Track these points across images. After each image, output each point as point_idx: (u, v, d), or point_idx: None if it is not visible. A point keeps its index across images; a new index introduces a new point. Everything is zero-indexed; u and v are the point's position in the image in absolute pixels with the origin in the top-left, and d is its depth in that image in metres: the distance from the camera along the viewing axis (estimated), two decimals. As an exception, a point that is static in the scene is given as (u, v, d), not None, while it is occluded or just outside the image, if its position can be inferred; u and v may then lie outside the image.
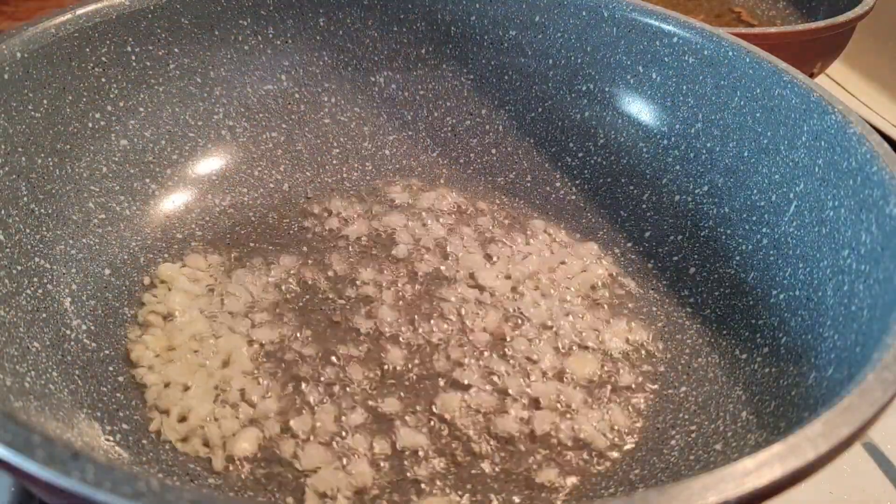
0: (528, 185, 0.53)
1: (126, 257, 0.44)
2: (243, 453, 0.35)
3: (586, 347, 0.42)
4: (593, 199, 0.51)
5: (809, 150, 0.39)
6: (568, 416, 0.38)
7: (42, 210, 0.41)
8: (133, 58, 0.46)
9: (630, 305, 0.45)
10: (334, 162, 0.53)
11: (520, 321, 0.43)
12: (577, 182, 0.52)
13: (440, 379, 0.39)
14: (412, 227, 0.49)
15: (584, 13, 0.50)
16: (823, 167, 0.38)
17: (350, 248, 0.48)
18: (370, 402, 0.38)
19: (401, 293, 0.44)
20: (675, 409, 0.38)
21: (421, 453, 0.36)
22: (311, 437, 0.36)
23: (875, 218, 0.33)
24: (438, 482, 0.35)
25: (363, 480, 0.34)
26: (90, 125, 0.44)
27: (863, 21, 0.65)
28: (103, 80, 0.44)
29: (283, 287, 0.44)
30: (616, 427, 0.38)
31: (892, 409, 0.25)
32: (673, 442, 0.36)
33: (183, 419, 0.36)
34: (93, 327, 0.40)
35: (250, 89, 0.52)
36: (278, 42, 0.51)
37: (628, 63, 0.49)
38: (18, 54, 0.39)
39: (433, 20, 0.53)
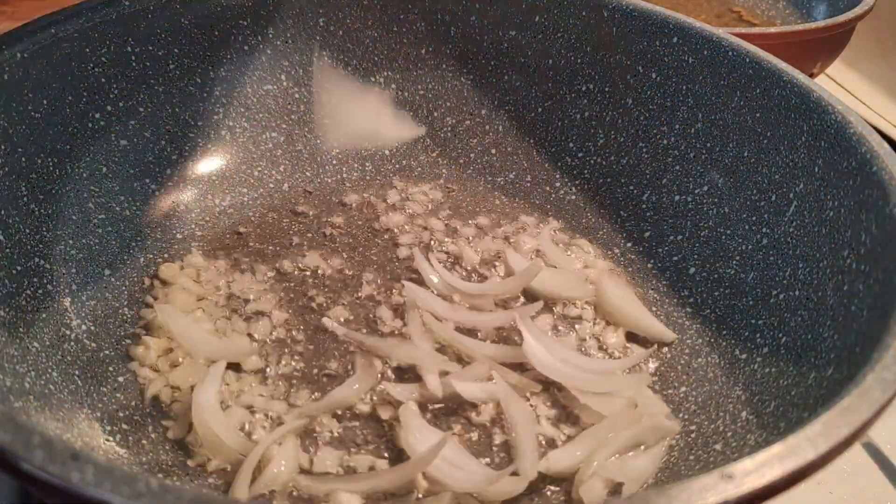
0: (528, 185, 0.53)
1: (126, 257, 0.45)
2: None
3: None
4: (593, 199, 0.51)
5: (809, 151, 0.39)
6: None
7: (42, 210, 0.41)
8: (133, 58, 0.46)
9: (630, 305, 0.45)
10: (334, 162, 0.54)
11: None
12: (577, 182, 0.52)
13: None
14: (412, 228, 0.49)
15: (584, 13, 0.50)
16: (823, 167, 0.38)
17: (350, 249, 0.48)
18: (370, 406, 0.38)
19: (401, 295, 0.44)
20: (675, 409, 0.38)
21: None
22: (319, 442, 0.36)
23: (875, 218, 0.33)
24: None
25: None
26: (90, 125, 0.44)
27: (863, 21, 0.65)
28: (103, 80, 0.44)
29: (284, 287, 0.44)
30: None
31: (892, 410, 0.25)
32: (673, 442, 0.36)
33: (184, 419, 0.36)
34: (93, 327, 0.40)
35: (250, 89, 0.52)
36: (278, 42, 0.51)
37: (628, 63, 0.49)
38: (18, 54, 0.39)
39: (433, 20, 0.53)
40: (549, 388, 0.39)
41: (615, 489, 0.34)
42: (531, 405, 0.38)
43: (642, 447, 0.36)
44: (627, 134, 0.50)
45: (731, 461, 0.22)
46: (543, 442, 0.37)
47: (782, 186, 0.41)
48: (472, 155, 0.55)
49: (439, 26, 0.53)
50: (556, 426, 0.37)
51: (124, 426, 0.36)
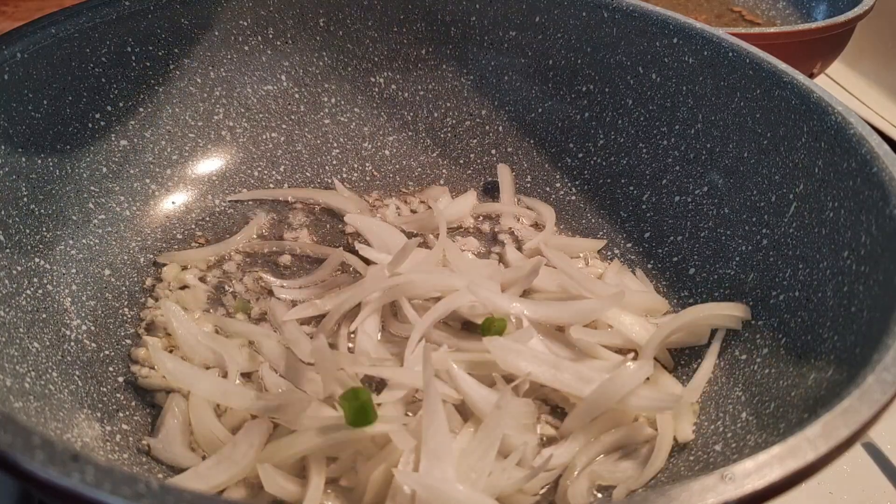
0: (528, 185, 0.53)
1: (126, 258, 0.45)
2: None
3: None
4: (593, 200, 0.51)
5: (809, 151, 0.39)
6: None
7: (42, 210, 0.41)
8: (133, 58, 0.46)
9: (630, 306, 0.45)
10: (334, 162, 0.54)
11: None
12: (577, 182, 0.52)
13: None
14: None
15: (584, 13, 0.50)
16: (823, 168, 0.38)
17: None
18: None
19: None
20: (674, 410, 0.38)
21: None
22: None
23: (875, 219, 0.33)
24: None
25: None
26: (90, 125, 0.44)
27: (863, 21, 0.65)
28: (103, 80, 0.44)
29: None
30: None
31: (892, 410, 0.25)
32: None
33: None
34: (93, 327, 0.40)
35: (250, 89, 0.52)
36: (278, 42, 0.51)
37: (628, 64, 0.49)
38: (19, 55, 0.39)
39: (433, 20, 0.53)
40: (544, 387, 0.39)
41: (602, 490, 0.34)
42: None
43: (634, 449, 0.36)
44: (627, 134, 0.50)
45: (731, 462, 0.22)
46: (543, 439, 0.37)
47: (782, 187, 0.41)
48: (472, 155, 0.55)
49: (439, 26, 0.53)
50: (551, 424, 0.37)
51: (124, 426, 0.36)
